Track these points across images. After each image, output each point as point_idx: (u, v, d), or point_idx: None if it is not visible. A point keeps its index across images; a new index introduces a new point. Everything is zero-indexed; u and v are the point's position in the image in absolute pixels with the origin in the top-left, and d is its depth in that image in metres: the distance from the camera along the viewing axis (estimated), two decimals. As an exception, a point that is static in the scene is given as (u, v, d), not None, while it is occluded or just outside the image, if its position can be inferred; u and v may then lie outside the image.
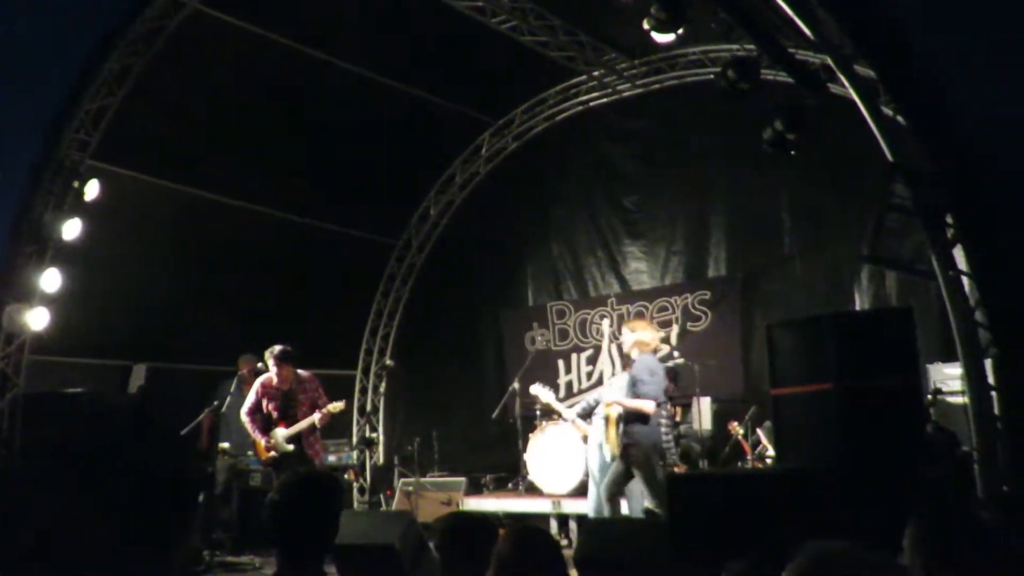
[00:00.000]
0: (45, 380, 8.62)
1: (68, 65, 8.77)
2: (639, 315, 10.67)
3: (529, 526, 3.07)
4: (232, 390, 8.42)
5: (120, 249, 9.01)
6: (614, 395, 7.45)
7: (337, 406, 7.61)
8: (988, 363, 5.84)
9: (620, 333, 10.51)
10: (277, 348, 7.58)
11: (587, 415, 8.23)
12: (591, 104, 11.28)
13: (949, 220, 5.74)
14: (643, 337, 7.34)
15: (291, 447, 7.51)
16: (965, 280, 5.85)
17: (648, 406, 6.98)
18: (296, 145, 10.09)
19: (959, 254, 5.87)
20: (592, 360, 11.08)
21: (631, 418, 7.05)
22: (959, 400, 7.00)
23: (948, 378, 7.60)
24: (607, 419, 7.26)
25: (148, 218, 9.23)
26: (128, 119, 8.62)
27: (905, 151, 5.89)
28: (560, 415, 9.05)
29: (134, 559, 1.16)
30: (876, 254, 5.85)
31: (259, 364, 7.76)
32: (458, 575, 3.31)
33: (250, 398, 7.68)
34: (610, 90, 10.99)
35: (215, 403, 8.33)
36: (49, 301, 8.49)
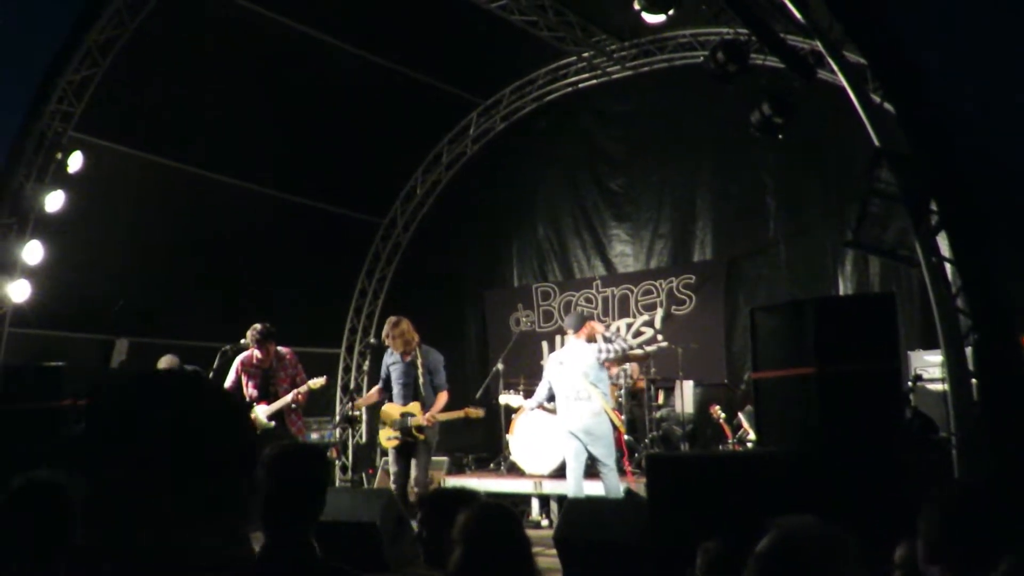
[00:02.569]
0: (26, 353, 8.56)
1: (52, 35, 8.68)
2: (623, 299, 10.73)
3: (490, 502, 3.07)
4: (214, 368, 8.37)
5: (103, 222, 8.95)
6: (574, 377, 7.46)
7: (318, 382, 7.59)
8: (968, 350, 5.89)
9: (605, 316, 10.65)
10: (258, 326, 7.55)
11: (551, 399, 8.11)
12: (580, 86, 11.25)
13: (933, 207, 5.76)
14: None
15: (272, 424, 7.50)
16: (948, 267, 5.88)
17: (445, 397, 7.39)
18: (284, 121, 10.02)
19: (942, 241, 5.90)
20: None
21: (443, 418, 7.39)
22: (939, 387, 7.06)
23: (928, 365, 7.66)
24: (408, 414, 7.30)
25: (131, 191, 9.15)
26: (112, 91, 8.54)
27: (891, 137, 5.90)
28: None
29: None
30: (859, 239, 5.87)
31: (242, 341, 7.72)
32: (441, 547, 3.31)
33: (230, 376, 7.65)
34: (599, 72, 10.94)
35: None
36: (30, 273, 8.44)
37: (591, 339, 7.60)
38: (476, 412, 7.57)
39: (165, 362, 8.87)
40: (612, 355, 7.50)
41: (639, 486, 7.58)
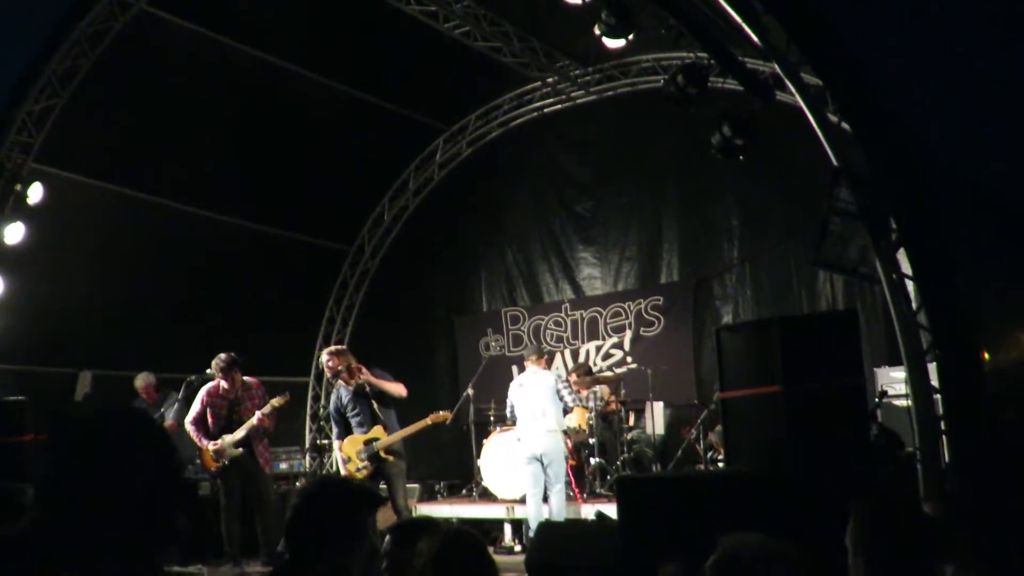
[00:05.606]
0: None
1: (11, 66, 8.62)
2: (591, 322, 10.79)
3: (454, 528, 3.06)
4: (180, 399, 8.28)
5: (65, 253, 8.84)
6: (534, 396, 8.03)
7: (280, 400, 7.52)
8: (932, 366, 5.96)
9: (574, 339, 10.71)
10: (223, 356, 7.48)
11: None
12: (545, 111, 11.32)
13: (893, 224, 5.84)
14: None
15: (240, 451, 7.40)
16: (909, 283, 5.95)
17: (402, 390, 7.35)
18: (249, 150, 9.97)
19: (903, 257, 5.98)
20: (538, 351, 11.08)
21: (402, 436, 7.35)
22: (904, 403, 7.13)
23: (894, 381, 7.74)
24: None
25: (94, 222, 9.05)
26: (73, 121, 8.48)
27: (850, 157, 5.99)
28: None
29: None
30: (821, 258, 5.93)
31: (207, 371, 7.65)
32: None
33: (195, 407, 7.56)
34: (564, 97, 11.04)
35: (161, 411, 8.19)
36: (-10, 306, 8.31)
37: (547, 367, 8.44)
38: (442, 416, 7.49)
39: (142, 379, 8.76)
40: (565, 391, 8.17)
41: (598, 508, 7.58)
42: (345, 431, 7.41)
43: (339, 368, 7.32)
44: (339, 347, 7.53)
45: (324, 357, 7.48)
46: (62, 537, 1.16)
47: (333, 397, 7.54)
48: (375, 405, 7.24)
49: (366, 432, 7.25)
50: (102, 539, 1.17)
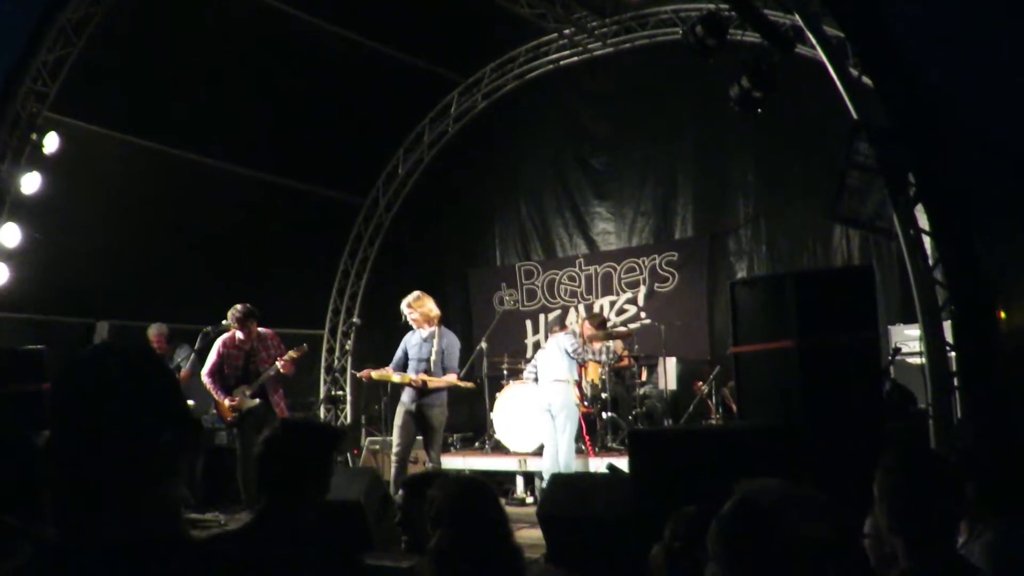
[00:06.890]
0: (5, 337, 8.51)
1: (25, 14, 8.57)
2: (606, 277, 10.79)
3: (462, 478, 3.09)
4: (195, 350, 8.34)
5: (82, 204, 8.86)
6: (551, 355, 8.40)
7: (297, 351, 7.58)
8: (947, 323, 5.93)
9: (588, 294, 10.74)
10: (239, 307, 7.51)
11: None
12: (561, 63, 11.20)
13: (911, 179, 5.78)
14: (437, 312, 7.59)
15: (256, 401, 7.48)
16: (926, 239, 5.90)
17: (454, 379, 7.48)
18: (263, 101, 9.94)
19: (921, 214, 5.92)
20: (560, 320, 11.12)
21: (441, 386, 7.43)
22: (917, 360, 7.12)
23: (908, 339, 7.73)
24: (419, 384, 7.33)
25: (110, 172, 9.05)
26: (88, 71, 8.45)
27: (869, 110, 5.91)
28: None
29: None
30: (838, 212, 5.89)
31: (223, 323, 7.69)
32: (420, 527, 3.32)
33: (211, 358, 7.60)
34: (580, 49, 10.90)
35: (176, 362, 8.26)
36: (8, 256, 8.36)
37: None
38: (465, 383, 7.61)
39: (154, 330, 8.83)
40: (573, 347, 8.33)
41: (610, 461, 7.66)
42: (403, 367, 7.51)
43: (423, 320, 7.41)
44: (416, 294, 7.53)
45: (404, 310, 7.48)
46: (70, 468, 1.18)
47: (407, 336, 7.62)
48: (433, 358, 7.31)
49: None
50: (98, 470, 1.19)
